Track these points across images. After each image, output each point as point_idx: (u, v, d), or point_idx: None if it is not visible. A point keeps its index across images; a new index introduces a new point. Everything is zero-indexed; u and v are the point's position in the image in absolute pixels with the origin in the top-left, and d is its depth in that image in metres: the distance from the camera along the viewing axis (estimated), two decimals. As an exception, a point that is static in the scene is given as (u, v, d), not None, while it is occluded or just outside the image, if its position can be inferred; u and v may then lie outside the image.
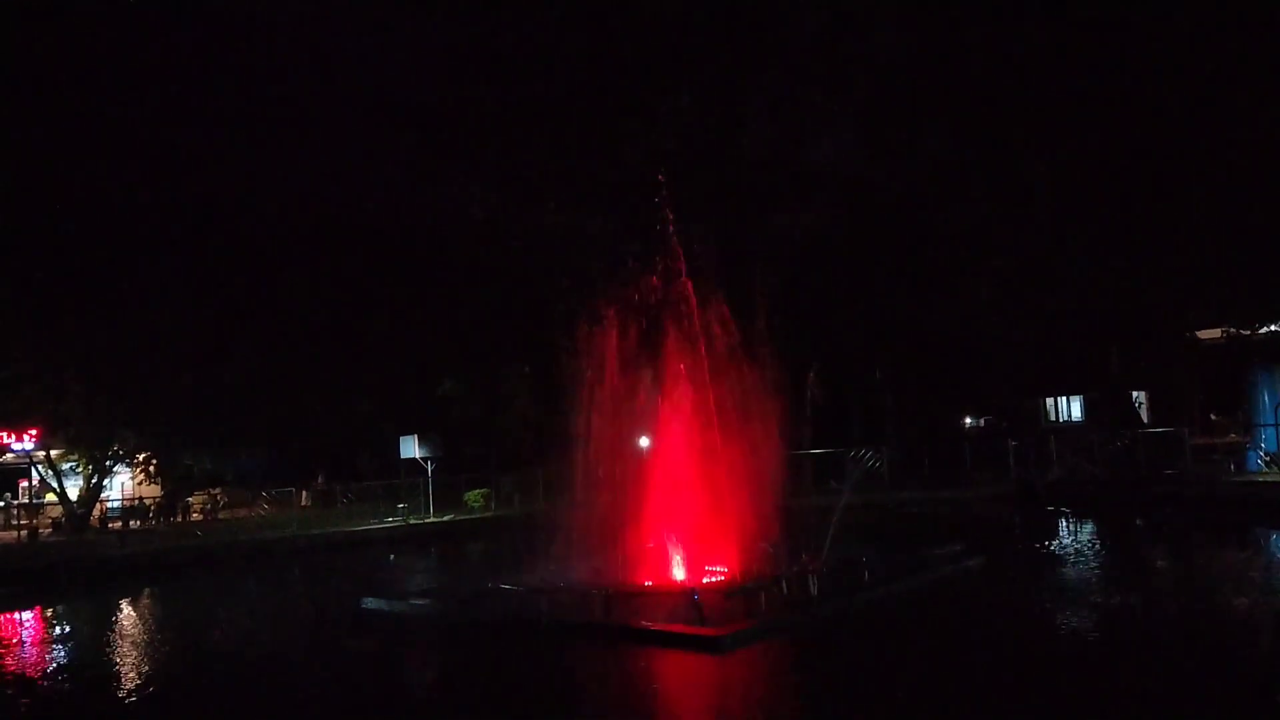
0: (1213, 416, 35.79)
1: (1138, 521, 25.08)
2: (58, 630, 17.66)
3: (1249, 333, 33.86)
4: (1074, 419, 43.75)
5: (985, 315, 36.88)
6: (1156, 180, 32.62)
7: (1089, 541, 22.84)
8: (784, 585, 14.74)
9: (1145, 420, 38.06)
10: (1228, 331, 34.48)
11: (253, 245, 36.23)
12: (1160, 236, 32.99)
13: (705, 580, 15.37)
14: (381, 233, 39.54)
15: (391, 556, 27.54)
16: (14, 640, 16.85)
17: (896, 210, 37.76)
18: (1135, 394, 40.04)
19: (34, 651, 15.51)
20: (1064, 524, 25.96)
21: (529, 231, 39.42)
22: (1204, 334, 35.70)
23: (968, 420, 49.10)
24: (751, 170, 38.59)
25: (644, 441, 20.62)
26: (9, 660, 14.59)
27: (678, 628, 12.59)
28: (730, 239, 38.66)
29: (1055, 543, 22.37)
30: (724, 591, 14.60)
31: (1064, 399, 44.47)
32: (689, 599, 13.45)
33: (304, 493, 40.17)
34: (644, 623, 13.08)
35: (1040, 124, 34.57)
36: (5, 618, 18.99)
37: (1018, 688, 10.11)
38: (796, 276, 38.00)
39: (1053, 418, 44.59)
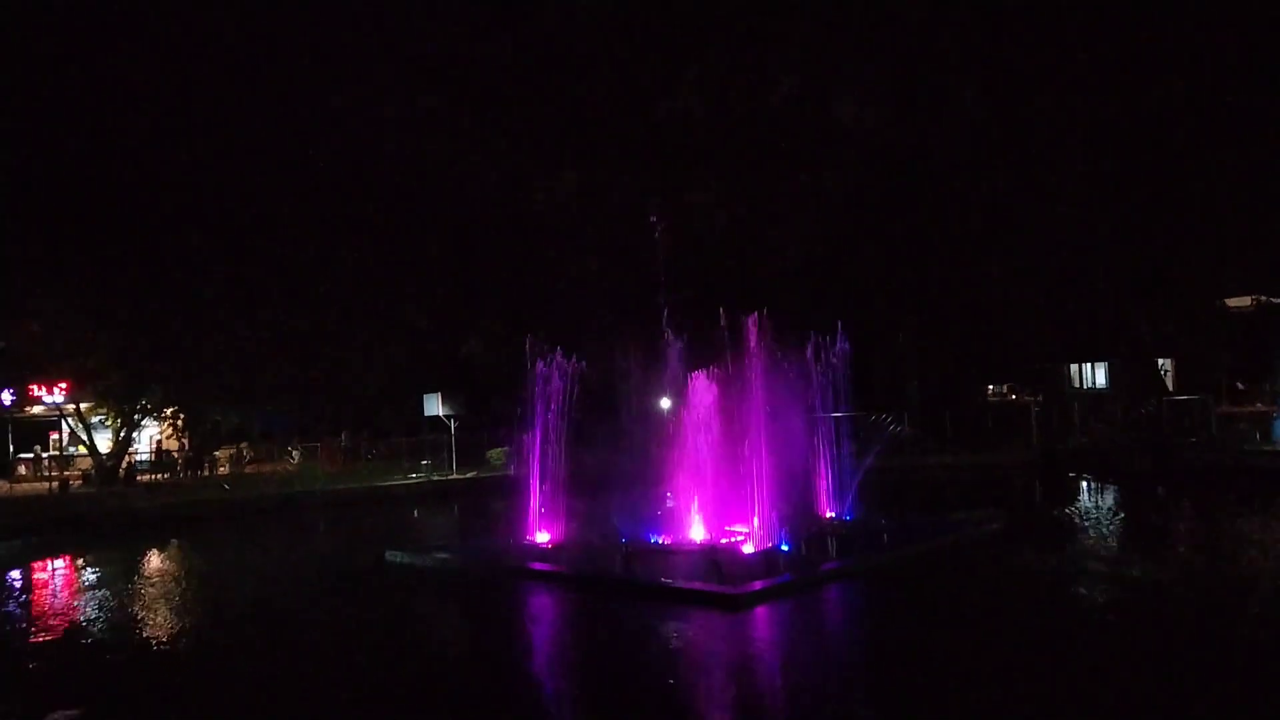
0: (1239, 385, 35.51)
1: (1159, 489, 24.99)
2: (89, 577, 18.05)
3: (1280, 301, 33.48)
4: (1099, 386, 43.44)
5: (1011, 280, 36.59)
6: (1190, 146, 32.13)
7: (1109, 508, 22.81)
8: (802, 546, 14.87)
9: (1170, 388, 37.77)
10: (1258, 300, 34.07)
11: (280, 202, 36.31)
12: (1192, 202, 32.54)
13: (724, 540, 15.49)
14: (408, 191, 39.52)
15: (415, 511, 27.90)
16: (48, 586, 17.27)
17: (925, 173, 37.37)
18: (1161, 361, 39.71)
19: (66, 596, 15.88)
20: (1085, 490, 25.93)
21: (554, 191, 39.33)
22: (1233, 302, 35.31)
23: (990, 386, 48.82)
24: (778, 129, 38.23)
25: (665, 403, 20.73)
26: (43, 603, 14.97)
27: (696, 585, 12.73)
28: (757, 198, 38.50)
29: (1075, 509, 22.35)
30: (742, 551, 14.74)
31: (1088, 365, 44.11)
32: (707, 558, 13.59)
33: (329, 448, 40.68)
34: (663, 579, 13.23)
35: (1072, 88, 34.06)
36: (39, 564, 19.44)
37: (1025, 647, 10.20)
38: (822, 237, 37.79)
39: (1077, 384, 44.28)
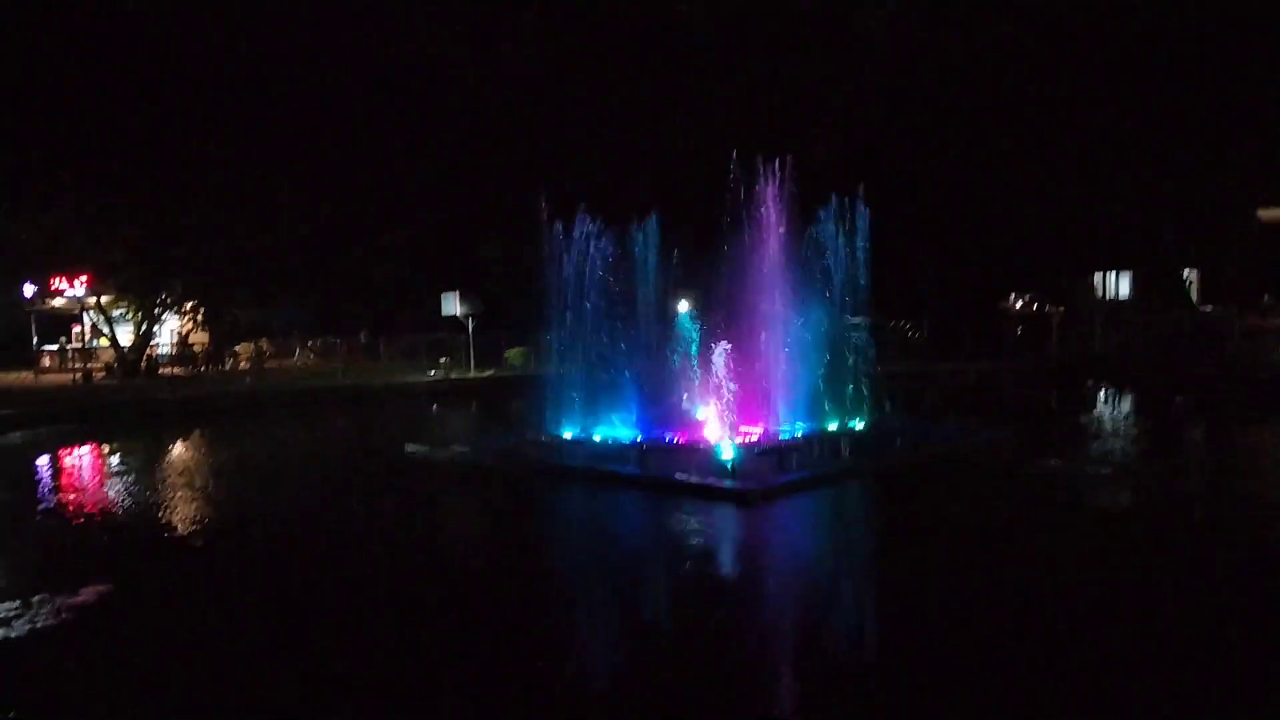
0: (1265, 298, 35.08)
1: (1177, 399, 24.95)
2: (116, 463, 18.44)
3: (1312, 212, 32.84)
4: (1122, 296, 43.01)
5: (1036, 187, 35.92)
6: (1223, 52, 31.14)
7: (1123, 416, 22.82)
8: (814, 446, 14.99)
9: (1195, 299, 37.38)
10: (1289, 210, 33.43)
11: (297, 97, 35.88)
12: (1224, 109, 31.68)
13: (738, 439, 15.62)
14: (421, 92, 38.91)
15: (434, 407, 28.24)
16: (76, 471, 17.69)
17: (948, 79, 36.40)
18: (1186, 272, 39.22)
19: (94, 480, 16.28)
20: (1101, 399, 25.91)
21: (566, 92, 38.66)
22: (1264, 212, 34.63)
23: (1012, 295, 48.45)
24: (804, 28, 37.24)
25: (683, 306, 20.70)
26: (72, 487, 15.37)
27: (708, 481, 12.91)
28: (780, 100, 37.71)
29: (1088, 417, 22.38)
30: (755, 449, 14.88)
31: (1112, 275, 43.60)
32: (720, 456, 13.74)
33: (347, 345, 41.04)
34: (676, 475, 13.40)
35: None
36: (66, 450, 19.86)
37: (1021, 543, 10.35)
38: (845, 140, 37.11)
39: (1100, 294, 43.85)
